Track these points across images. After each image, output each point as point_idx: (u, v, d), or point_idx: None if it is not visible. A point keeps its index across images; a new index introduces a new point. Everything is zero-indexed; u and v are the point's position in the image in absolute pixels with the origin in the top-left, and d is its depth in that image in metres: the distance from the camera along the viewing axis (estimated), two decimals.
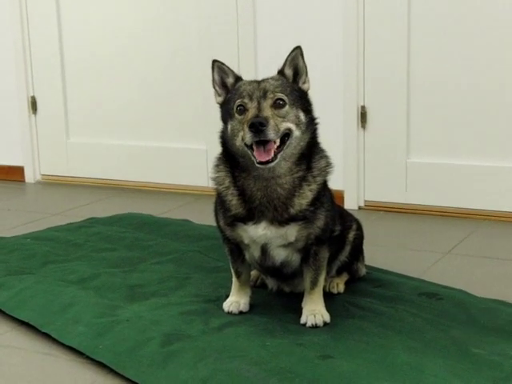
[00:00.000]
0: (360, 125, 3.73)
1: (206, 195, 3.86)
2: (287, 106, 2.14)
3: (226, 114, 2.20)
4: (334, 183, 2.39)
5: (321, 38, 3.73)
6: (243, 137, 2.09)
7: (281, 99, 2.13)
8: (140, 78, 4.32)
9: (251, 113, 2.09)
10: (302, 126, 2.16)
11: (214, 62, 2.24)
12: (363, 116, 3.72)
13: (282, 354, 2.03)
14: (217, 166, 2.30)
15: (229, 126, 2.18)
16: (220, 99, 2.25)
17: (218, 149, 2.31)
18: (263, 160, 2.07)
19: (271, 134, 2.06)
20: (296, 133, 2.14)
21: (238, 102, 2.14)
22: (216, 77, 2.24)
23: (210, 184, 2.33)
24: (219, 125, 2.28)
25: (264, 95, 2.12)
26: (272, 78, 2.20)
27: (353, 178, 3.78)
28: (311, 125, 2.21)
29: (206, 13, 4.04)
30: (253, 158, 2.10)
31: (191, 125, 4.22)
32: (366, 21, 3.62)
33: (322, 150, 2.29)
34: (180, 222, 3.49)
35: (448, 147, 3.60)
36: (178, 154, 4.28)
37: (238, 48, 3.95)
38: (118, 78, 4.39)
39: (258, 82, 2.18)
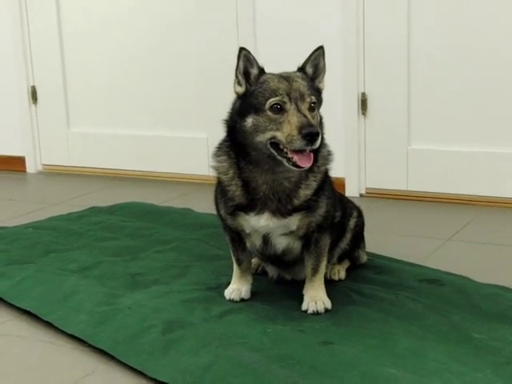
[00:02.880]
0: (360, 112, 3.72)
1: (207, 184, 3.85)
2: (316, 110, 2.13)
3: (249, 107, 2.11)
4: (335, 171, 2.38)
5: (321, 23, 3.71)
6: (284, 138, 2.03)
7: (314, 103, 2.11)
8: (140, 67, 4.31)
9: (298, 118, 2.03)
10: (319, 126, 2.15)
11: (242, 49, 2.15)
12: (364, 103, 3.71)
13: (283, 340, 2.04)
14: (218, 155, 2.27)
15: (250, 120, 2.10)
16: (241, 89, 2.16)
17: (218, 137, 2.29)
18: (304, 165, 2.05)
19: (319, 143, 2.06)
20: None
21: (273, 99, 2.06)
22: (241, 65, 2.15)
23: (211, 172, 2.32)
24: (220, 113, 2.26)
25: (301, 97, 2.08)
26: (297, 77, 2.14)
27: (354, 166, 3.78)
28: (321, 122, 2.21)
29: (206, 7, 4.04)
30: (281, 158, 2.06)
31: (192, 113, 4.22)
32: (366, 7, 3.61)
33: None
34: (181, 210, 3.49)
35: (449, 134, 3.60)
36: (178, 142, 4.27)
37: (237, 33, 3.95)
38: (119, 68, 4.38)
39: (287, 80, 2.11)
